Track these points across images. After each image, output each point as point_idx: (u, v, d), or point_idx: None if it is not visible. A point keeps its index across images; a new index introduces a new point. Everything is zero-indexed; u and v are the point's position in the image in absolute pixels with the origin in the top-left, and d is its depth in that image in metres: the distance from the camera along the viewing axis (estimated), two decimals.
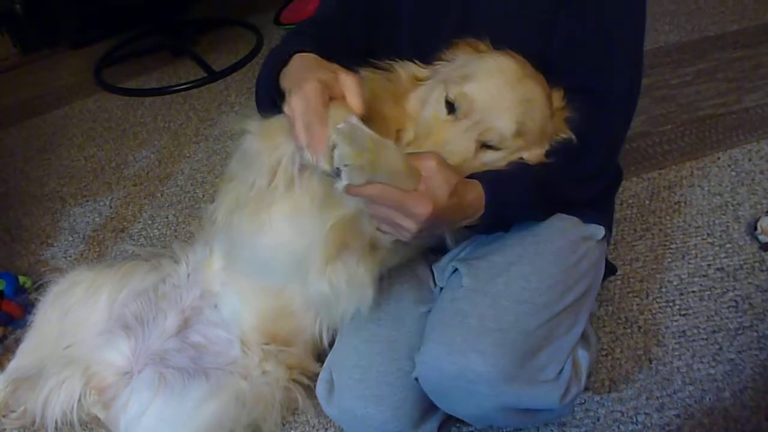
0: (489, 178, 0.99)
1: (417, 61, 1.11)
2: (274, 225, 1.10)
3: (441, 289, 1.16)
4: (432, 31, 1.17)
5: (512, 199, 1.01)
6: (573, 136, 1.05)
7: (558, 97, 1.07)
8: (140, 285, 1.28)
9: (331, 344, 1.22)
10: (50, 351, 1.25)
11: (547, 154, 1.06)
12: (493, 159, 1.02)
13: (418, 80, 1.09)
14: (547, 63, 1.08)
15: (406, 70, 1.10)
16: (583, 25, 1.07)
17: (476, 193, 0.97)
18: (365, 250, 1.00)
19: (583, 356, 1.11)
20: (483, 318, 1.00)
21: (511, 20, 1.10)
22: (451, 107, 1.01)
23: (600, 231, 1.17)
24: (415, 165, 0.90)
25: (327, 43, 1.09)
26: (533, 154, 1.04)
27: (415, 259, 1.20)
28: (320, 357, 1.25)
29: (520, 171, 1.02)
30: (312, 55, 1.02)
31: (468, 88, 1.00)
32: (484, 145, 1.01)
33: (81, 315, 1.26)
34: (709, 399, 1.24)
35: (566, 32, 1.08)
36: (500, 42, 1.07)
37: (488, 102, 0.99)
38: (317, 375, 1.19)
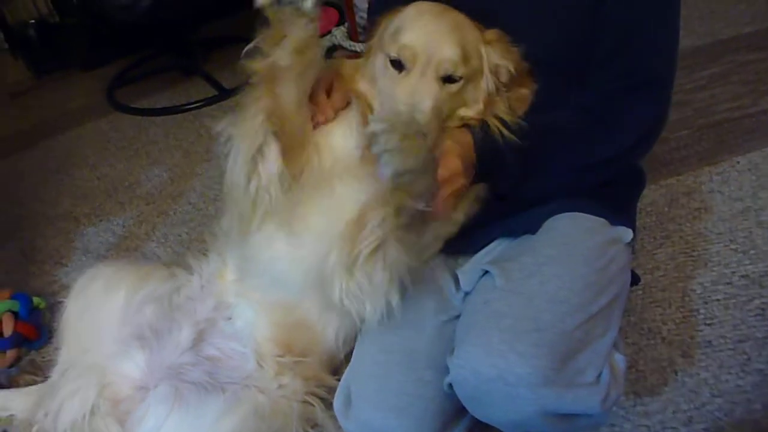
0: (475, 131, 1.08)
1: None
2: (281, 240, 1.11)
3: (465, 294, 1.14)
4: None
5: (497, 149, 1.06)
6: (521, 67, 1.09)
7: (492, 32, 1.09)
8: (156, 291, 1.27)
9: (348, 356, 1.20)
10: (75, 351, 1.26)
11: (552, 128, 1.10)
12: (457, 89, 1.06)
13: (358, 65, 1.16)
14: (581, 54, 1.11)
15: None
16: (631, 14, 1.10)
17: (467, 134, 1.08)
18: (377, 250, 0.98)
19: (621, 360, 1.08)
20: (520, 318, 0.98)
21: (538, 15, 1.13)
22: (398, 65, 1.06)
23: (628, 234, 1.15)
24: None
25: None
26: (485, 84, 1.09)
27: (435, 266, 1.18)
28: (336, 371, 1.23)
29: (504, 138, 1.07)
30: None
31: (403, 39, 1.05)
32: (444, 80, 1.04)
33: (98, 315, 1.26)
34: (739, 412, 1.20)
35: (614, 23, 1.11)
36: (525, 33, 1.09)
37: (426, 40, 1.04)
38: (333, 389, 1.17)
